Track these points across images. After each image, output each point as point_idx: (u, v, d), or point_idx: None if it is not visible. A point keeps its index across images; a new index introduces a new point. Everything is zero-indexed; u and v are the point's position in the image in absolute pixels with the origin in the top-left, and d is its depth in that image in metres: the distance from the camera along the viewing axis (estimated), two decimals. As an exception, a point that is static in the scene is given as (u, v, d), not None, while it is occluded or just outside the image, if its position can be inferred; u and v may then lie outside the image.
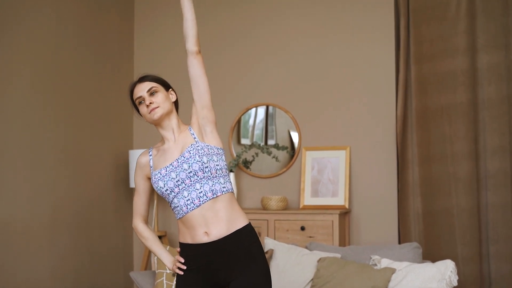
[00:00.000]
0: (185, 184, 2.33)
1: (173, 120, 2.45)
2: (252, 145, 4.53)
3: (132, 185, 4.46)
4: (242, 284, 2.29)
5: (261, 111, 4.60)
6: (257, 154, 4.55)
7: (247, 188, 4.58)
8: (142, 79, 2.46)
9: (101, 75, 4.47)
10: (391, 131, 4.24)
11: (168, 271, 3.57)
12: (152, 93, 2.42)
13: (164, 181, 2.35)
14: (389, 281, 3.35)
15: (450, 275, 3.29)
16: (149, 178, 2.47)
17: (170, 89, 2.50)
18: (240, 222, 2.36)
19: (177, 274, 2.40)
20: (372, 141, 4.29)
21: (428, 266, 3.37)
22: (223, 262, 2.32)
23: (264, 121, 4.61)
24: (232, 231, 2.32)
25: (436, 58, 4.11)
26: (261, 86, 4.60)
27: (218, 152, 2.39)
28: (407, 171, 4.13)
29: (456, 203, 4.01)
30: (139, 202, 2.52)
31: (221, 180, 2.36)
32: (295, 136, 4.50)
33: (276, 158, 4.48)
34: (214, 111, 2.44)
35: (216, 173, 2.35)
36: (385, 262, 3.51)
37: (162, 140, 2.48)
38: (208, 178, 2.33)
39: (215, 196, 2.33)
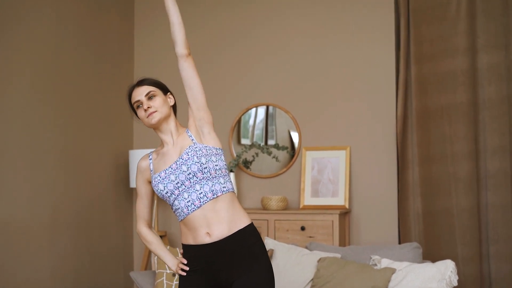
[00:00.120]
0: (185, 186, 2.33)
1: (171, 123, 2.46)
2: (252, 145, 4.53)
3: (132, 185, 4.46)
4: (244, 284, 2.29)
5: (261, 111, 4.60)
6: (257, 154, 4.55)
7: (247, 188, 4.58)
8: (141, 83, 2.46)
9: (101, 75, 4.47)
10: (391, 131, 4.24)
11: (168, 271, 3.57)
12: (150, 97, 2.42)
13: (164, 183, 2.35)
14: (389, 281, 3.35)
15: (450, 275, 3.29)
16: (150, 182, 2.48)
17: (168, 93, 2.50)
18: (242, 222, 2.36)
19: (180, 275, 2.40)
20: (372, 141, 4.29)
21: (428, 266, 3.37)
22: (225, 263, 2.31)
23: (264, 121, 4.61)
24: (234, 231, 2.32)
25: (436, 58, 4.11)
26: (261, 86, 4.60)
27: (216, 153, 2.39)
28: (407, 171, 4.13)
29: (456, 203, 4.01)
30: (142, 206, 2.53)
31: (221, 180, 2.36)
32: (295, 136, 4.50)
33: (276, 158, 4.48)
34: (211, 112, 2.44)
35: (216, 173, 2.35)
36: (385, 262, 3.51)
37: (161, 143, 2.49)
38: (208, 179, 2.33)
39: (215, 196, 2.33)
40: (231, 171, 4.41)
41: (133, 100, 2.46)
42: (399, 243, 4.17)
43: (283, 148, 4.49)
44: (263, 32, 4.62)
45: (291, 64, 4.53)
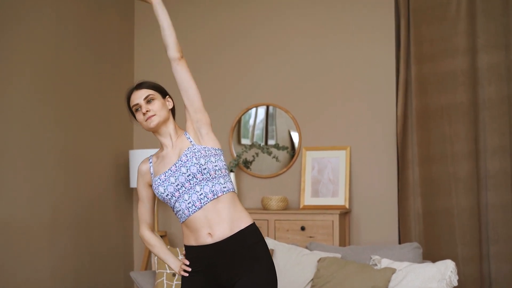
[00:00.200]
0: (185, 188, 2.33)
1: (170, 126, 2.46)
2: (252, 145, 4.53)
3: (132, 185, 4.46)
4: (245, 285, 2.28)
5: (261, 111, 4.60)
6: (257, 154, 4.55)
7: (247, 188, 4.58)
8: (139, 86, 2.46)
9: (101, 75, 4.47)
10: (391, 131, 4.24)
11: (168, 271, 3.57)
12: (149, 100, 2.42)
13: (164, 186, 2.35)
14: (389, 281, 3.35)
15: (450, 275, 3.29)
16: (151, 186, 2.48)
17: (167, 96, 2.50)
18: (243, 222, 2.35)
19: (183, 276, 2.41)
20: (372, 141, 4.29)
21: (428, 266, 3.37)
22: (227, 263, 2.31)
23: (264, 121, 4.61)
24: (236, 231, 2.32)
25: (436, 58, 4.11)
26: (261, 86, 4.60)
27: (215, 153, 2.39)
28: (407, 171, 4.13)
29: (456, 203, 4.01)
30: (143, 210, 2.53)
31: (221, 181, 2.36)
32: (295, 136, 4.50)
33: (276, 158, 4.48)
34: (208, 113, 2.44)
35: (215, 174, 2.35)
36: (385, 262, 3.51)
37: (161, 147, 2.49)
38: (208, 180, 2.33)
39: (216, 196, 2.33)
40: (231, 171, 4.41)
41: (131, 104, 2.46)
42: (399, 243, 4.17)
43: (283, 148, 4.49)
44: (263, 32, 4.62)
45: (291, 64, 4.53)
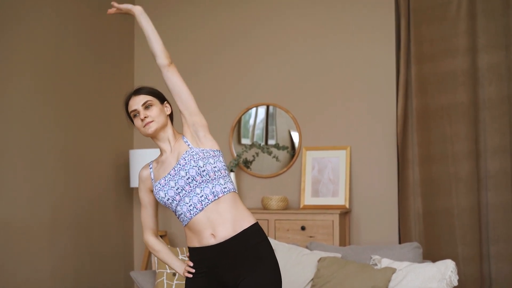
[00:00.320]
0: (185, 191, 2.33)
1: (168, 131, 2.46)
2: (252, 145, 4.53)
3: (132, 184, 4.46)
4: (249, 285, 2.28)
5: (262, 111, 4.60)
6: (257, 154, 4.55)
7: (248, 188, 4.58)
8: (137, 92, 2.46)
9: (101, 75, 4.47)
10: (392, 131, 4.23)
11: (168, 271, 3.57)
12: (147, 106, 2.42)
13: (165, 190, 2.36)
14: (389, 281, 3.35)
15: (450, 275, 3.29)
16: (152, 191, 2.48)
17: (165, 102, 2.50)
18: (246, 221, 2.36)
19: (187, 277, 2.41)
20: (373, 141, 4.29)
21: (429, 266, 3.37)
22: (230, 264, 2.31)
23: (264, 121, 4.61)
24: (239, 231, 2.32)
25: (436, 58, 4.11)
26: (261, 86, 4.60)
27: (214, 154, 2.39)
28: (408, 171, 4.13)
29: (456, 203, 4.01)
30: (146, 216, 2.54)
31: (221, 181, 2.36)
32: (295, 136, 4.50)
33: (277, 158, 4.48)
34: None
35: (215, 175, 2.35)
36: (385, 262, 3.51)
37: (160, 152, 2.50)
38: (207, 181, 2.33)
39: (216, 197, 2.33)
40: (231, 170, 4.41)
41: (130, 109, 2.46)
42: (399, 243, 4.17)
43: (284, 148, 4.49)
44: (263, 32, 4.62)
45: (291, 64, 4.53)
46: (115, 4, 2.48)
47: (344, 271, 3.44)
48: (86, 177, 4.25)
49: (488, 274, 3.96)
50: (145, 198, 2.52)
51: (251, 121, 4.65)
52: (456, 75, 4.05)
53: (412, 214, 4.11)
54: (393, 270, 3.38)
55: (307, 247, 3.86)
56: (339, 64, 4.41)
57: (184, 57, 4.76)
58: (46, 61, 3.91)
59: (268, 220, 4.13)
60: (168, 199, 2.36)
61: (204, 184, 2.33)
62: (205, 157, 2.35)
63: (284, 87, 4.54)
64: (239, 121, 4.63)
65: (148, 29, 2.38)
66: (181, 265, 2.47)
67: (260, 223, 4.04)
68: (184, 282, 2.66)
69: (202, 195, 2.32)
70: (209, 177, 2.33)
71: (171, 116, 2.52)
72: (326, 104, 4.42)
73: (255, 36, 4.64)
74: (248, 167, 4.57)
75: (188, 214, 2.33)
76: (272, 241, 3.80)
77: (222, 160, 2.41)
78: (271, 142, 4.56)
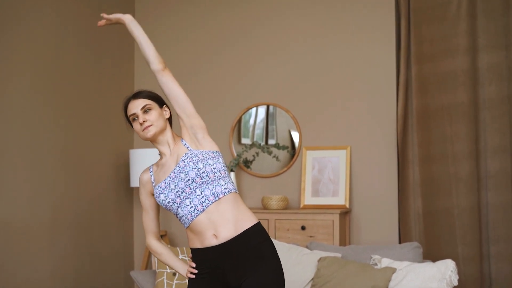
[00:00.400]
0: (186, 193, 2.33)
1: (168, 134, 2.46)
2: (252, 145, 4.53)
3: (132, 184, 4.46)
4: (251, 285, 2.28)
5: (262, 110, 4.60)
6: (257, 154, 4.55)
7: (248, 187, 4.58)
8: (137, 96, 2.46)
9: (101, 75, 4.47)
10: (392, 131, 4.23)
11: (168, 271, 3.57)
12: (146, 110, 2.42)
13: (165, 193, 2.36)
14: (389, 281, 3.35)
15: (450, 274, 3.29)
16: (153, 194, 2.48)
17: (164, 106, 2.50)
18: (248, 221, 2.35)
19: (189, 279, 2.41)
20: (373, 141, 4.29)
21: (429, 266, 3.37)
22: (233, 264, 2.31)
23: (264, 121, 4.61)
24: (240, 232, 2.32)
25: (436, 58, 4.11)
26: (262, 86, 4.60)
27: (213, 156, 2.39)
28: (408, 171, 4.13)
29: (456, 203, 4.01)
30: (148, 219, 2.53)
31: (221, 182, 2.36)
32: (295, 136, 4.50)
33: (277, 158, 4.48)
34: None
35: (215, 176, 2.35)
36: (385, 262, 3.51)
37: (160, 155, 2.50)
38: (208, 183, 2.33)
39: (217, 198, 2.33)
40: (231, 170, 4.41)
41: (129, 113, 2.46)
42: (400, 242, 4.17)
43: (284, 147, 4.49)
44: (263, 32, 4.62)
45: (291, 64, 4.53)
46: (105, 15, 2.49)
47: (344, 271, 3.44)
48: (86, 177, 4.25)
49: (488, 274, 3.96)
50: (146, 202, 2.52)
51: (251, 121, 4.65)
52: (456, 75, 4.05)
53: (412, 214, 4.11)
54: (393, 270, 3.38)
55: (307, 247, 3.86)
56: (339, 64, 4.41)
57: (184, 57, 4.76)
58: (46, 61, 3.91)
59: (268, 220, 4.13)
60: (169, 201, 2.36)
61: (204, 185, 2.33)
62: (204, 159, 2.35)
63: (284, 87, 4.54)
64: (239, 121, 4.63)
65: (139, 36, 2.38)
66: (183, 267, 2.47)
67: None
68: (186, 282, 2.66)
69: (203, 197, 2.32)
70: (209, 179, 2.33)
71: (170, 119, 2.52)
72: (326, 104, 4.42)
73: (255, 36, 4.64)
74: (248, 167, 4.57)
75: (189, 216, 2.33)
76: (272, 241, 3.80)
77: (221, 161, 2.41)
78: (271, 142, 4.56)
